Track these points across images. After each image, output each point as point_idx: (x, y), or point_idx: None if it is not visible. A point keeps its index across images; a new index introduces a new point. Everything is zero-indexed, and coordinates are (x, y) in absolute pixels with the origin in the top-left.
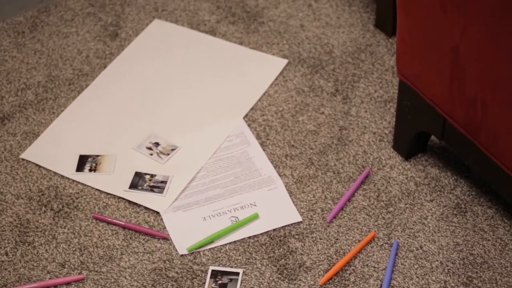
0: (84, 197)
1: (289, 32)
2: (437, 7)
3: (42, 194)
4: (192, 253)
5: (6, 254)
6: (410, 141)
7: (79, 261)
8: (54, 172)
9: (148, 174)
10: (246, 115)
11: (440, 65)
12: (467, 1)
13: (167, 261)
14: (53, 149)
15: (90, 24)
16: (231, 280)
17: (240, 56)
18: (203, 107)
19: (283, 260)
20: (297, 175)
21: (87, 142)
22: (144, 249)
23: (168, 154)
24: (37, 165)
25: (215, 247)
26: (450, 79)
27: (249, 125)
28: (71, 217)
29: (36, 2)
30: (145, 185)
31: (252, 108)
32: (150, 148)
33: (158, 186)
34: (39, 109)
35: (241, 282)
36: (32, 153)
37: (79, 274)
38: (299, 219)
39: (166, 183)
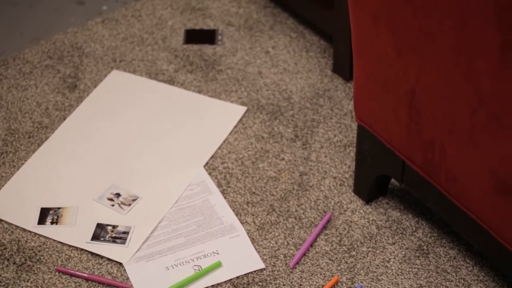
0: (47, 250)
1: (247, 79)
2: (392, 51)
3: (4, 248)
4: None
5: None
6: (370, 184)
7: None
8: (15, 226)
9: (110, 225)
10: (207, 163)
11: (397, 108)
12: (422, 45)
13: None
14: (15, 202)
15: (48, 76)
16: None
17: (199, 105)
18: (164, 156)
19: None
20: (259, 222)
21: (48, 195)
22: None
23: (130, 205)
24: None
25: None
26: (407, 122)
27: (209, 174)
28: (34, 271)
29: None
30: (107, 236)
31: (212, 156)
32: (111, 199)
33: (120, 237)
34: None
35: None
36: None
37: None
38: (262, 266)
39: (128, 234)
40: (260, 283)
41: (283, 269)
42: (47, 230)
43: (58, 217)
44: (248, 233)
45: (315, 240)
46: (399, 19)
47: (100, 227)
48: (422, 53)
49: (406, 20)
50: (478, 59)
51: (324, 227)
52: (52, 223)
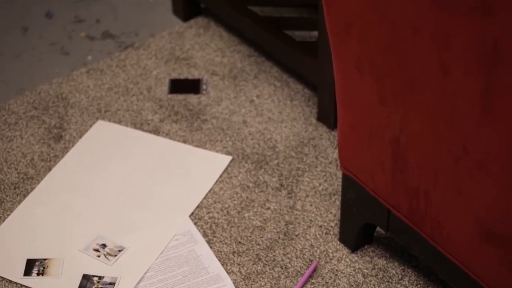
0: None
1: (232, 129)
2: (375, 100)
3: None
4: None
5: None
6: (356, 233)
7: None
8: (1, 277)
9: (96, 276)
10: (192, 213)
11: (382, 157)
12: (405, 93)
13: None
14: (0, 253)
15: (34, 127)
16: None
17: (184, 155)
18: (149, 206)
19: None
20: (245, 272)
21: (34, 246)
22: None
23: (116, 255)
24: None
25: None
26: (392, 171)
27: (195, 223)
28: None
29: None
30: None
31: (198, 206)
32: (97, 250)
33: None
34: None
35: None
36: None
37: None
38: None
39: (114, 285)
40: None
41: None
42: (34, 281)
43: (44, 268)
44: (234, 283)
45: None
46: (382, 68)
47: (86, 278)
48: (405, 101)
49: (389, 70)
50: (461, 107)
51: (310, 276)
52: (38, 274)
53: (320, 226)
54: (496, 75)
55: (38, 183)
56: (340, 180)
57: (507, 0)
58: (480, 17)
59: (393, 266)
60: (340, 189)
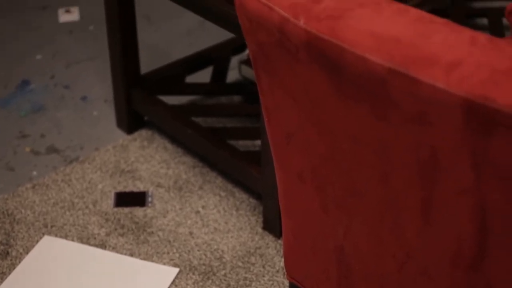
0: None
1: (178, 241)
2: (318, 209)
3: None
4: None
5: None
6: None
7: None
8: None
9: None
10: None
11: (327, 264)
12: (347, 202)
13: None
14: None
15: None
16: None
17: (131, 269)
18: None
19: None
20: None
21: None
22: None
23: None
24: None
25: None
26: (337, 278)
27: None
28: None
29: None
30: None
31: None
32: None
33: None
34: None
35: None
36: None
37: None
38: None
39: None
40: None
41: None
42: None
43: None
44: None
45: None
46: (323, 178)
47: None
48: (348, 209)
49: (331, 179)
50: (403, 215)
51: None
52: None
53: None
54: (435, 184)
55: None
56: None
57: (443, 110)
58: (417, 127)
59: None
60: None
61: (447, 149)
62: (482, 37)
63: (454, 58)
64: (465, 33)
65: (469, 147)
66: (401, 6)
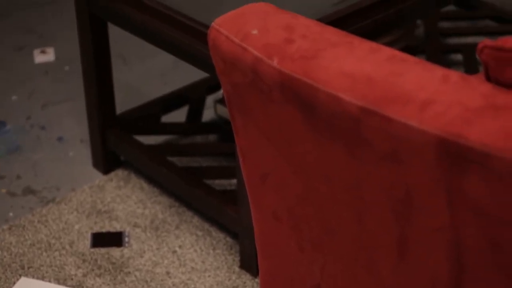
0: None
1: (155, 280)
2: (294, 248)
3: None
4: None
5: None
6: None
7: None
8: None
9: None
10: None
11: None
12: (323, 241)
13: None
14: None
15: None
16: None
17: None
18: None
19: None
20: None
21: None
22: None
23: None
24: None
25: None
26: None
27: None
28: None
29: None
30: None
31: None
32: None
33: None
34: None
35: None
36: None
37: None
38: None
39: None
40: None
41: None
42: None
43: None
44: None
45: None
46: (299, 217)
47: None
48: (324, 248)
49: (306, 218)
50: (378, 252)
51: None
52: None
53: None
54: (410, 221)
55: None
56: None
57: (416, 148)
58: (391, 165)
59: None
60: None
61: (421, 187)
62: (454, 75)
63: (426, 96)
64: (437, 71)
65: (443, 184)
66: (374, 45)
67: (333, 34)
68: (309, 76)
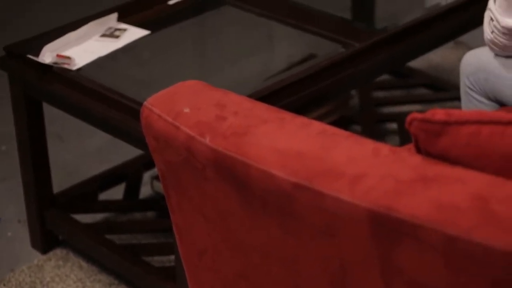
0: None
1: None
2: None
3: None
4: None
5: None
6: None
7: None
8: None
9: None
10: None
11: None
12: None
13: None
14: None
15: None
16: None
17: None
18: None
19: None
20: None
21: None
22: None
23: None
24: None
25: None
26: None
27: None
28: None
29: None
30: None
31: None
32: None
33: None
34: None
35: None
36: None
37: None
38: None
39: None
40: None
41: None
42: None
43: None
44: None
45: None
46: None
47: None
48: None
49: None
50: None
51: None
52: None
53: None
54: None
55: None
56: None
57: (349, 222)
58: (325, 240)
59: None
60: None
61: (356, 260)
62: (385, 148)
63: (357, 170)
64: (368, 145)
65: (376, 256)
66: (305, 120)
67: (264, 110)
68: (241, 153)
